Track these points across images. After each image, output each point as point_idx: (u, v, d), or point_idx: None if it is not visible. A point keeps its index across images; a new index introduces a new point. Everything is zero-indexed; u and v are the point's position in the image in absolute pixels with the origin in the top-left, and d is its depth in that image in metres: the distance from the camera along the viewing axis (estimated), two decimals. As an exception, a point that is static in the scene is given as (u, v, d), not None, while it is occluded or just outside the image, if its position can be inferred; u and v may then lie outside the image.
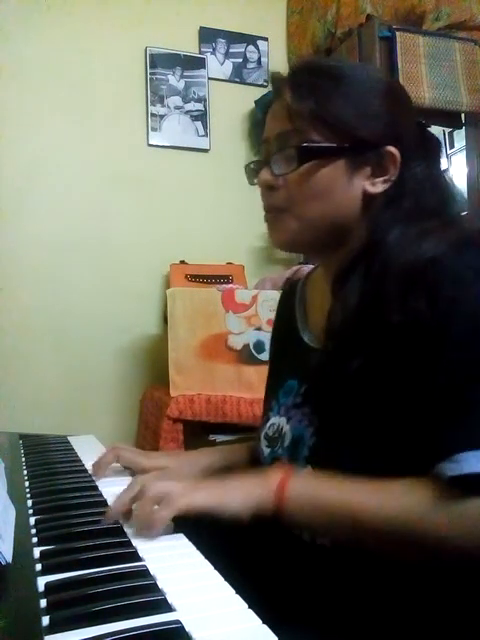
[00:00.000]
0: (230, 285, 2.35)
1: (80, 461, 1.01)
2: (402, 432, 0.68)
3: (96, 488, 0.85)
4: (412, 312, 0.67)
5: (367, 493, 0.67)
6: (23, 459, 1.02)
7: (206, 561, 0.60)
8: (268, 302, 2.17)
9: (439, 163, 0.83)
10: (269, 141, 0.80)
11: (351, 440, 0.72)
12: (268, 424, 0.88)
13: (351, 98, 0.76)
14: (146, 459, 0.95)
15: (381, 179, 0.76)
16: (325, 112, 0.75)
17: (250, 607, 0.50)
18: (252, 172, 0.85)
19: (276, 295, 2.15)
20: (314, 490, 0.69)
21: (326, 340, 0.78)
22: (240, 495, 0.68)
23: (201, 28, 2.76)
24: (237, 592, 0.53)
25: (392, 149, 0.75)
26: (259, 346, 2.15)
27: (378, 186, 0.76)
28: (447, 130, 2.75)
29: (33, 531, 0.67)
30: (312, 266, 2.44)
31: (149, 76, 2.65)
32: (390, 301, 0.69)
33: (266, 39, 2.87)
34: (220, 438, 2.12)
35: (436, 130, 2.29)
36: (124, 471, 0.95)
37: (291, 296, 0.97)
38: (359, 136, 0.75)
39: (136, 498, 0.70)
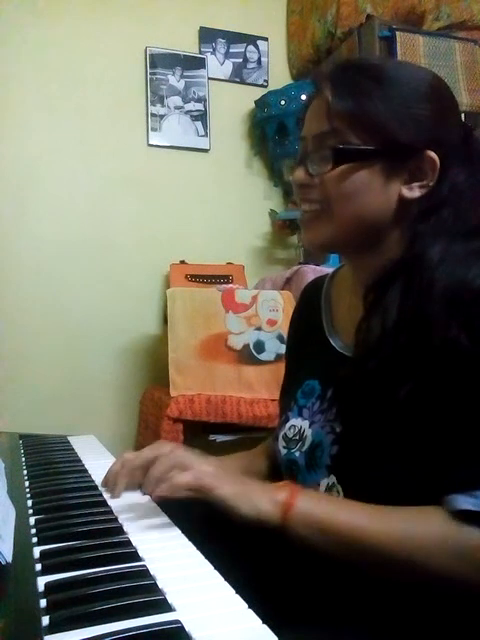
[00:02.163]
0: (230, 285, 2.35)
1: (80, 461, 1.01)
2: (427, 454, 0.68)
3: (96, 488, 0.85)
4: (453, 341, 0.66)
5: (375, 519, 0.67)
6: (23, 459, 1.02)
7: (206, 561, 0.60)
8: (268, 302, 2.17)
9: None
10: (307, 139, 0.79)
11: (375, 454, 0.72)
12: (288, 425, 0.87)
13: (392, 100, 0.74)
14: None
15: (418, 184, 0.75)
16: (364, 114, 0.73)
17: (250, 607, 0.50)
18: (290, 170, 0.85)
19: (276, 295, 2.17)
20: (320, 512, 0.69)
21: (360, 352, 0.76)
22: (250, 501, 0.69)
23: (201, 28, 2.76)
24: (237, 592, 0.53)
25: (431, 154, 0.73)
26: (259, 346, 2.15)
27: (415, 191, 0.75)
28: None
29: (33, 531, 0.67)
30: (313, 266, 2.45)
31: (149, 76, 2.65)
32: (433, 325, 0.68)
33: (266, 39, 2.87)
34: (220, 438, 2.12)
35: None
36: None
37: (316, 295, 0.95)
38: (397, 140, 0.73)
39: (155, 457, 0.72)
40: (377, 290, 0.76)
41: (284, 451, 0.86)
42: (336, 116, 0.74)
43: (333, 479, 0.76)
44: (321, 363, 0.87)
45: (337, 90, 0.75)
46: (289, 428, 0.87)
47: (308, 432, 0.82)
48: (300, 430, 0.84)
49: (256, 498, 0.69)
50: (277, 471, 0.91)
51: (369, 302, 0.77)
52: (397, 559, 0.65)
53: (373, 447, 0.72)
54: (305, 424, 0.84)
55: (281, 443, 0.87)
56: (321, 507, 0.70)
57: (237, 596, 0.52)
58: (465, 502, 0.63)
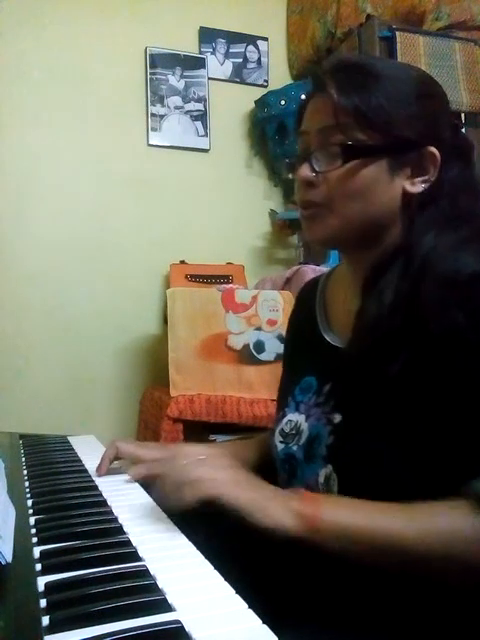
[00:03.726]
0: (230, 285, 2.35)
1: (80, 461, 1.01)
2: (430, 440, 0.68)
3: (96, 488, 0.85)
4: (450, 324, 0.67)
5: (403, 519, 0.65)
6: (23, 459, 1.02)
7: (206, 561, 0.60)
8: (268, 302, 2.17)
9: (473, 165, 0.82)
10: (309, 134, 0.79)
11: (375, 441, 0.72)
12: (284, 420, 0.88)
13: (393, 97, 0.75)
14: (146, 451, 0.95)
15: (420, 179, 0.76)
16: (369, 110, 0.74)
17: (250, 607, 0.50)
18: (289, 166, 0.85)
19: (276, 295, 2.17)
20: (348, 519, 0.66)
21: (356, 338, 0.77)
22: (269, 512, 0.65)
23: (201, 28, 2.76)
24: (237, 592, 0.53)
25: (433, 149, 0.75)
26: (259, 346, 2.15)
27: (417, 186, 0.76)
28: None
29: (33, 531, 0.67)
30: (313, 266, 2.45)
31: (149, 76, 2.65)
32: (429, 309, 0.69)
33: (266, 39, 2.87)
34: (220, 438, 2.12)
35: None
36: (122, 468, 0.94)
37: (311, 294, 0.97)
38: (402, 135, 0.75)
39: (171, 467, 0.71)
40: (373, 275, 0.77)
41: (281, 446, 0.86)
42: (342, 111, 0.75)
43: (330, 468, 0.76)
44: (317, 359, 0.88)
45: (342, 86, 0.75)
46: (286, 423, 0.87)
47: (304, 426, 0.83)
48: (296, 424, 0.85)
49: (273, 508, 0.66)
50: (267, 466, 0.91)
51: (366, 292, 0.78)
52: (435, 556, 0.64)
53: (371, 434, 0.72)
54: (301, 418, 0.84)
55: (277, 438, 0.88)
56: (348, 515, 0.67)
57: (237, 596, 0.52)
58: None
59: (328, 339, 0.87)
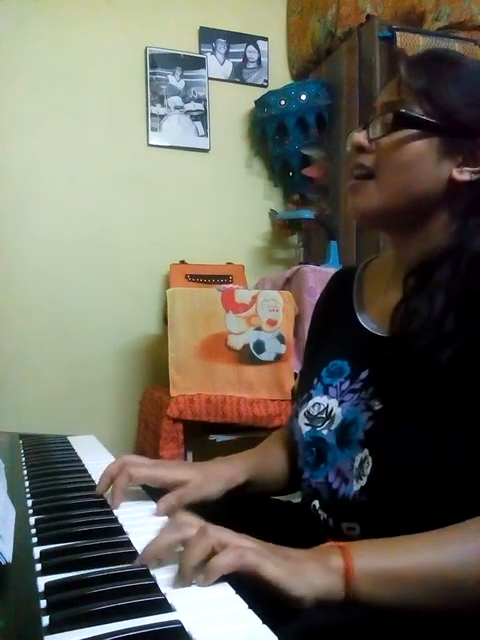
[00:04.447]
0: (230, 285, 2.35)
1: (80, 461, 1.01)
2: (471, 432, 0.68)
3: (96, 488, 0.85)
4: None
5: (440, 550, 0.61)
6: (23, 459, 1.02)
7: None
8: (268, 302, 2.17)
9: None
10: (376, 108, 0.82)
11: (415, 429, 0.71)
12: (311, 402, 0.87)
13: (462, 83, 0.77)
14: (165, 471, 0.82)
15: (470, 169, 0.76)
16: (433, 90, 0.76)
17: (250, 607, 0.50)
18: (351, 137, 0.86)
19: (276, 295, 2.17)
20: (384, 562, 0.60)
21: (403, 334, 0.76)
22: (304, 579, 0.57)
23: (201, 28, 2.77)
24: (237, 592, 0.53)
25: None
26: (259, 346, 2.15)
27: (465, 175, 0.76)
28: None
29: (33, 531, 0.67)
30: (313, 267, 2.44)
31: (149, 76, 2.65)
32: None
33: (266, 39, 2.87)
34: (220, 438, 2.12)
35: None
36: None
37: (348, 279, 0.97)
38: (459, 119, 0.75)
39: (185, 541, 0.58)
40: (420, 274, 0.77)
41: (307, 428, 0.86)
42: (406, 90, 0.78)
43: (366, 453, 0.75)
44: (350, 344, 0.88)
45: (411, 69, 0.79)
46: (313, 405, 0.87)
47: (337, 411, 0.82)
48: (327, 408, 0.84)
49: (309, 574, 0.57)
50: (295, 457, 0.90)
51: (410, 286, 0.78)
52: (474, 580, 0.60)
53: (412, 422, 0.72)
54: (333, 402, 0.84)
55: (303, 420, 0.87)
56: (380, 555, 0.61)
57: (237, 596, 0.52)
58: None
59: (366, 326, 0.87)
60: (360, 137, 0.81)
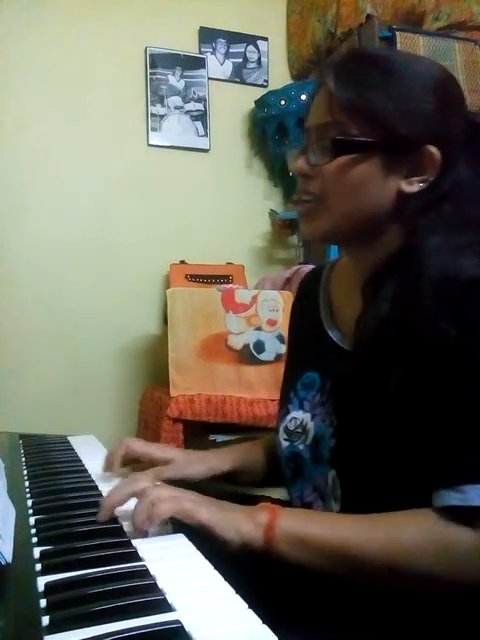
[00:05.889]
0: (230, 285, 2.35)
1: (80, 461, 1.01)
2: (419, 448, 0.68)
3: (96, 488, 0.85)
4: (440, 332, 0.66)
5: (357, 528, 0.67)
6: (23, 459, 1.02)
7: (206, 561, 0.60)
8: (268, 302, 2.17)
9: None
10: (310, 130, 0.79)
11: (369, 447, 0.72)
12: (288, 417, 0.87)
13: (394, 92, 0.73)
14: (156, 449, 0.94)
15: (418, 179, 0.74)
16: (365, 104, 0.73)
17: (250, 607, 0.50)
18: (292, 159, 0.85)
19: (276, 295, 2.17)
20: (301, 528, 0.68)
21: (357, 346, 0.77)
22: (233, 525, 0.67)
23: (201, 28, 2.76)
24: (237, 592, 0.53)
25: (432, 149, 0.73)
26: (259, 346, 2.15)
27: (414, 186, 0.74)
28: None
29: (33, 531, 0.67)
30: (312, 266, 2.45)
31: (149, 76, 2.65)
32: (423, 314, 0.68)
33: (266, 39, 2.87)
34: (220, 438, 2.12)
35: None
36: (127, 470, 0.94)
37: (315, 285, 0.94)
38: (398, 133, 0.73)
39: (136, 494, 0.70)
40: (374, 284, 0.76)
41: (286, 444, 0.85)
42: (338, 106, 0.74)
43: (334, 473, 0.76)
44: (320, 355, 0.87)
45: (339, 79, 0.74)
46: (290, 420, 0.86)
47: (310, 425, 0.82)
48: (302, 422, 0.84)
49: (238, 522, 0.67)
50: (276, 464, 0.91)
51: (369, 293, 0.77)
52: (381, 565, 0.65)
53: (367, 440, 0.72)
54: (307, 417, 0.84)
55: (282, 436, 0.87)
56: (302, 523, 0.69)
57: (237, 596, 0.52)
58: (452, 498, 0.63)
59: (332, 336, 0.86)
60: (301, 165, 0.78)
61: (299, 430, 0.84)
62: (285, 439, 0.86)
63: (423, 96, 0.74)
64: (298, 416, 0.85)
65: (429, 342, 0.68)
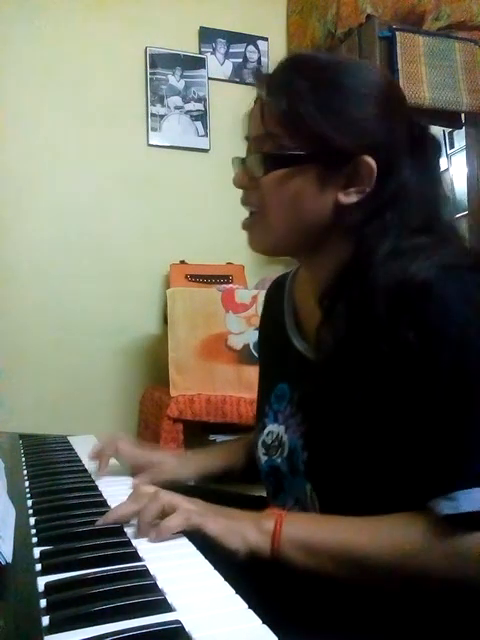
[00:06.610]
0: (230, 285, 2.35)
1: (80, 461, 1.01)
2: (394, 458, 0.68)
3: (96, 488, 0.85)
4: (401, 342, 0.65)
5: (360, 532, 0.67)
6: (23, 459, 1.02)
7: (206, 561, 0.60)
8: (268, 302, 2.17)
9: (436, 169, 0.78)
10: (249, 141, 0.79)
11: (343, 461, 0.72)
12: (265, 431, 0.86)
13: (328, 103, 0.71)
14: (143, 453, 0.96)
15: (355, 189, 0.73)
16: (297, 116, 0.71)
17: (250, 607, 0.50)
18: (234, 169, 0.85)
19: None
20: (307, 534, 0.68)
21: (319, 362, 0.76)
22: (240, 534, 0.67)
23: (201, 28, 2.76)
24: (237, 592, 0.53)
25: (368, 159, 0.71)
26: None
27: (352, 196, 0.73)
28: (447, 130, 2.75)
29: (33, 531, 0.67)
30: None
31: (149, 76, 2.65)
32: (379, 327, 0.67)
33: (266, 39, 2.87)
34: (220, 438, 2.12)
35: (436, 130, 2.29)
36: (124, 471, 0.94)
37: (278, 294, 0.93)
38: (332, 145, 0.71)
39: (141, 508, 0.69)
40: (329, 297, 0.75)
41: (264, 458, 0.84)
42: (270, 118, 0.73)
43: (310, 486, 0.76)
44: (288, 366, 0.86)
45: (272, 90, 0.73)
46: (267, 434, 0.85)
47: (285, 438, 0.81)
48: (278, 436, 0.83)
49: (244, 531, 0.67)
50: (254, 468, 0.90)
51: (324, 308, 0.76)
52: (386, 568, 0.65)
53: (338, 452, 0.72)
54: (281, 429, 0.83)
55: (261, 451, 0.85)
56: (307, 528, 0.69)
57: (237, 596, 0.52)
58: (445, 507, 0.62)
59: (298, 346, 0.84)
60: (240, 178, 0.78)
61: (276, 443, 0.83)
62: (263, 454, 0.85)
63: (358, 105, 0.72)
64: (274, 429, 0.84)
65: (392, 354, 0.66)
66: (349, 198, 0.73)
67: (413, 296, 0.66)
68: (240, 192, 0.82)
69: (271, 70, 0.79)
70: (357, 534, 0.66)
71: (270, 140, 0.73)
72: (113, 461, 0.95)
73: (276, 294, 0.94)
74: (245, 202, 0.80)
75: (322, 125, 0.71)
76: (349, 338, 0.70)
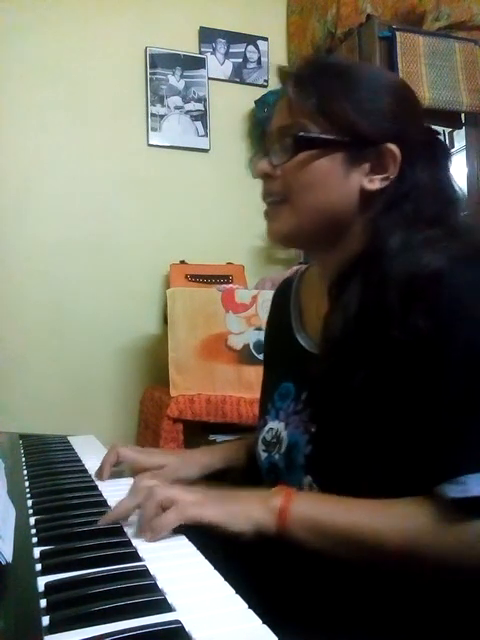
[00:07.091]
0: (230, 285, 2.35)
1: (80, 461, 1.01)
2: (402, 446, 0.68)
3: (96, 488, 0.85)
4: (413, 328, 0.67)
5: (370, 514, 0.67)
6: (23, 459, 1.02)
7: (206, 561, 0.60)
8: (268, 302, 2.16)
9: (446, 170, 0.81)
10: (271, 134, 0.80)
11: (349, 451, 0.72)
12: (266, 428, 0.87)
13: (354, 94, 0.75)
14: (146, 457, 0.96)
15: (379, 177, 0.75)
16: (325, 106, 0.75)
17: (250, 607, 0.50)
18: (255, 166, 0.85)
19: (276, 295, 2.16)
20: (316, 513, 0.68)
21: (324, 347, 0.77)
22: (243, 515, 0.67)
23: (201, 28, 2.76)
24: (237, 592, 0.53)
25: (392, 147, 0.74)
26: (259, 346, 2.15)
27: (376, 183, 0.75)
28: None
29: (33, 531, 0.67)
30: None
31: (149, 76, 2.65)
32: (391, 315, 0.68)
33: (266, 39, 2.87)
34: (220, 438, 2.12)
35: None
36: (124, 472, 0.95)
37: (285, 295, 0.96)
38: (358, 130, 0.74)
39: (140, 503, 0.70)
40: (339, 284, 0.76)
41: (264, 455, 0.85)
42: (298, 110, 0.76)
43: (309, 479, 0.76)
44: (292, 364, 0.87)
45: (299, 87, 0.77)
46: (268, 431, 0.86)
47: (284, 434, 0.82)
48: (277, 432, 0.84)
49: (249, 509, 0.68)
50: (255, 467, 0.91)
51: (333, 297, 0.77)
52: (394, 550, 0.65)
53: (347, 444, 0.72)
54: (281, 426, 0.84)
55: (260, 447, 0.87)
56: (317, 507, 0.69)
57: (237, 596, 0.52)
58: (452, 491, 0.62)
59: (303, 344, 0.86)
60: (263, 165, 0.79)
61: (274, 440, 0.84)
62: (263, 450, 0.86)
63: (381, 96, 0.76)
64: (274, 426, 0.85)
65: (403, 342, 0.67)
66: (373, 185, 0.75)
67: (425, 285, 0.67)
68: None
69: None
70: (369, 516, 0.66)
71: (297, 127, 0.76)
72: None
73: (283, 294, 0.98)
74: (267, 193, 0.80)
75: (349, 112, 0.74)
76: (358, 323, 0.71)
